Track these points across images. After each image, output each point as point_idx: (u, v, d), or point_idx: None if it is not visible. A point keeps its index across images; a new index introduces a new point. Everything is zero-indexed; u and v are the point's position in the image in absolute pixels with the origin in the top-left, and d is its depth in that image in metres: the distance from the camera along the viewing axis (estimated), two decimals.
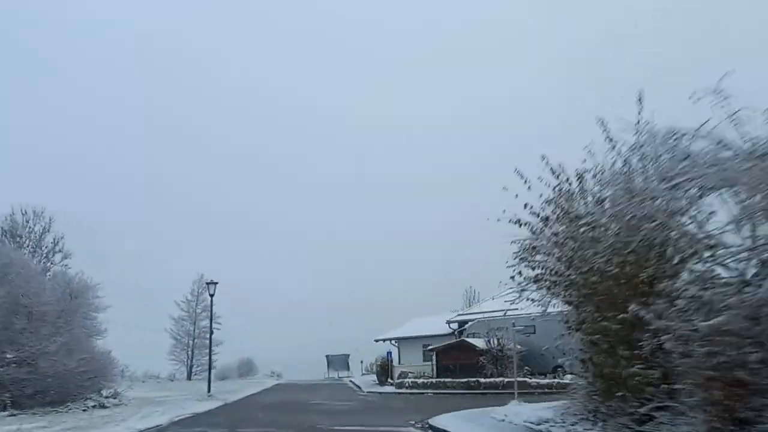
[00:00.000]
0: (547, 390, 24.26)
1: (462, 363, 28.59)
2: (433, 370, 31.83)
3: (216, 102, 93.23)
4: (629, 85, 9.61)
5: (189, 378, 54.67)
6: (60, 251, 32.03)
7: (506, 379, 25.98)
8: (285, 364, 59.71)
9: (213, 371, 59.54)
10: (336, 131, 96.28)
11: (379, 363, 37.67)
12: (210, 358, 22.73)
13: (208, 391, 23.07)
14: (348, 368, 55.79)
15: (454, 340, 30.38)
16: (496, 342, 27.55)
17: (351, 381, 43.78)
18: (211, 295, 23.28)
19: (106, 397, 20.37)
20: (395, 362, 38.41)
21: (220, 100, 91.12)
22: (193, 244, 72.08)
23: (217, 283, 23.18)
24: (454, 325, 37.21)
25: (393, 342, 41.20)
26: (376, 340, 42.44)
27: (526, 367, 27.74)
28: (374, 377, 43.14)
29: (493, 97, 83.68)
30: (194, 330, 55.39)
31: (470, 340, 28.98)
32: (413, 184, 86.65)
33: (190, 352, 55.26)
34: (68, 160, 72.86)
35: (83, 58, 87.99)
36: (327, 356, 56.44)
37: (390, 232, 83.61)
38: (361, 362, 54.81)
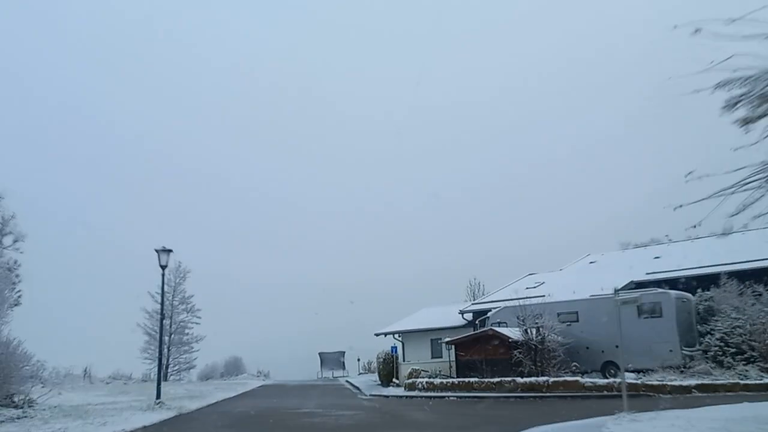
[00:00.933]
0: (612, 393, 18.45)
1: (489, 358, 22.68)
2: (450, 367, 25.87)
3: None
4: None
5: (165, 378, 48.39)
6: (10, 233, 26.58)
7: (551, 379, 20.05)
8: (275, 362, 54.69)
9: (195, 371, 54.88)
10: (337, 98, 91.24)
11: (382, 360, 31.71)
12: (160, 352, 16.55)
13: (157, 397, 16.89)
14: (343, 367, 50.76)
15: (479, 330, 24.43)
16: (535, 332, 21.61)
17: (348, 381, 37.99)
18: (163, 267, 17.11)
19: (9, 406, 14.31)
20: (399, 359, 32.52)
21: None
22: (175, 236, 66.38)
23: (170, 251, 17.08)
24: (469, 316, 31.26)
25: (396, 336, 35.12)
26: (377, 334, 36.34)
27: (574, 364, 21.83)
28: (374, 377, 37.60)
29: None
30: (171, 325, 49.09)
31: (501, 329, 23.06)
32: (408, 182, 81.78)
33: (166, 350, 48.88)
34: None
35: None
36: (320, 354, 51.60)
37: (389, 221, 78.67)
38: (358, 360, 50.00)
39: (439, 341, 31.90)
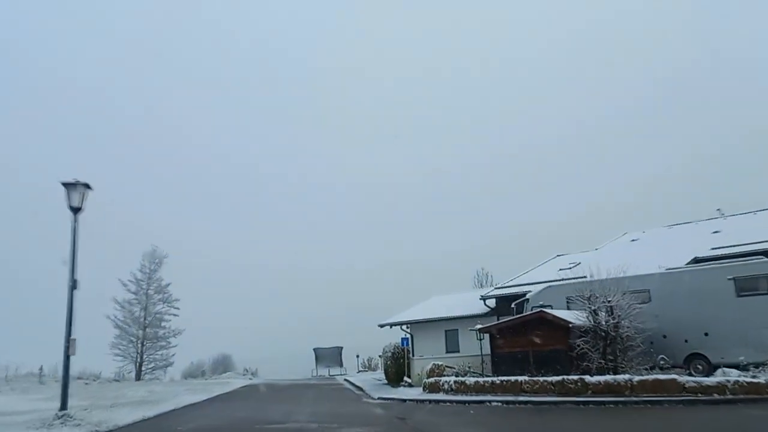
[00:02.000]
0: (726, 397, 13.04)
1: (539, 350, 17.11)
2: (482, 363, 20.29)
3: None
4: None
5: (138, 378, 42.58)
6: None
7: (635, 378, 14.46)
8: (267, 359, 49.72)
9: (179, 369, 49.24)
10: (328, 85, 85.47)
11: (390, 355, 26.13)
12: (67, 345, 10.27)
13: (62, 407, 10.90)
14: (341, 364, 45.59)
15: (525, 314, 18.73)
16: (605, 314, 16.03)
17: (347, 380, 32.47)
18: (74, 210, 11.10)
19: None
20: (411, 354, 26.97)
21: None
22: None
23: (87, 186, 11.11)
24: (492, 302, 25.68)
25: (404, 327, 29.44)
26: (381, 325, 30.66)
27: (662, 357, 16.27)
28: (376, 375, 32.13)
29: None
30: (144, 317, 43.23)
31: (557, 312, 17.48)
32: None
33: (139, 345, 43.04)
34: None
35: None
36: (315, 349, 46.51)
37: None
38: (357, 356, 44.60)
39: (456, 332, 26.49)
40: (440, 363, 20.14)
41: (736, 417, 11.57)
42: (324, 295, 51.61)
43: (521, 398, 15.57)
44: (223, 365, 50.77)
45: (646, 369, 15.58)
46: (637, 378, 14.48)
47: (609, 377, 14.86)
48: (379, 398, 19.52)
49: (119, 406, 15.84)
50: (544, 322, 17.33)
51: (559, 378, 15.43)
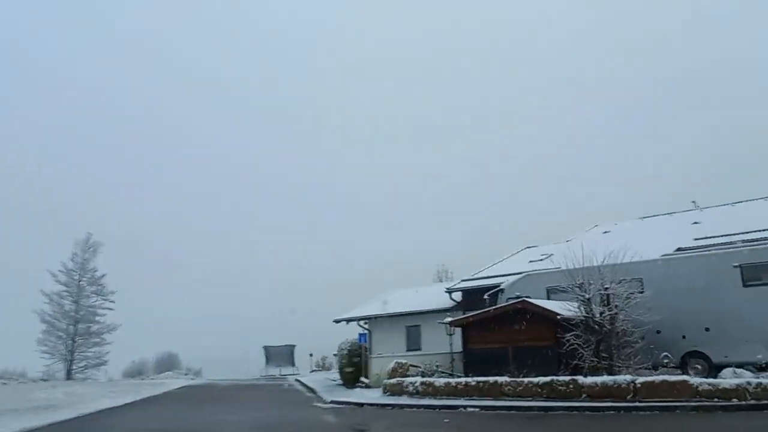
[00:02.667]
0: (746, 402, 10.86)
1: (521, 345, 14.63)
2: (452, 361, 17.73)
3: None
4: None
5: (69, 377, 38.53)
6: None
7: (638, 379, 12.06)
8: (216, 358, 45.71)
9: (117, 368, 45.30)
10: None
11: (346, 352, 23.38)
12: None
13: None
14: (293, 363, 42.34)
15: (508, 304, 16.14)
16: (599, 303, 13.65)
17: (298, 380, 29.58)
18: None
19: None
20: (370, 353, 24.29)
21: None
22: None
23: None
24: (458, 295, 23.23)
25: (362, 323, 26.70)
26: (337, 321, 27.82)
27: (665, 354, 13.98)
28: (330, 375, 29.26)
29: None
30: (76, 311, 39.16)
31: (542, 302, 15.02)
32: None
33: (69, 342, 38.94)
34: None
35: None
36: (265, 348, 43.50)
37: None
38: (311, 356, 41.58)
39: (418, 328, 23.96)
40: (404, 361, 17.43)
41: None
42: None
43: (502, 403, 13.03)
44: (168, 364, 47.08)
45: (647, 369, 13.28)
46: (640, 380, 12.09)
47: (607, 378, 12.43)
48: (332, 402, 16.70)
49: (9, 413, 12.62)
50: (526, 314, 14.85)
51: (548, 379, 12.91)
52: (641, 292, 15.41)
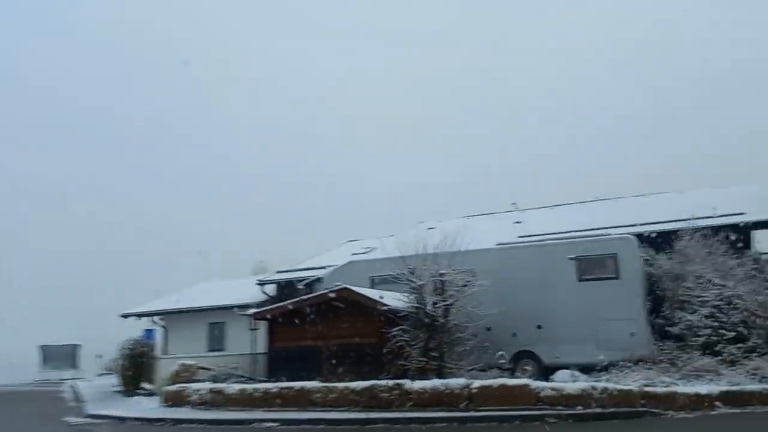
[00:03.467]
0: (592, 410, 9.26)
1: (339, 343, 11.95)
2: (254, 363, 14.53)
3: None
4: None
5: None
6: None
7: (474, 383, 9.93)
8: None
9: None
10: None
11: (128, 353, 19.00)
12: None
13: None
14: (76, 365, 36.06)
15: (324, 291, 13.20)
16: (432, 292, 11.41)
17: (72, 387, 24.17)
18: None
19: None
20: (159, 352, 20.20)
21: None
22: None
23: None
24: (271, 288, 20.28)
25: (157, 319, 22.47)
26: (125, 315, 23.32)
27: (501, 353, 12.11)
28: (116, 379, 24.45)
29: None
30: None
31: (364, 290, 12.44)
32: None
33: None
34: None
35: None
36: (42, 347, 36.83)
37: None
38: (100, 357, 35.55)
39: (223, 325, 20.66)
40: (191, 363, 13.86)
41: None
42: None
43: (310, 414, 10.16)
44: None
45: (483, 370, 11.32)
46: (476, 384, 9.96)
47: (438, 383, 10.13)
48: (88, 416, 12.62)
49: None
50: (347, 304, 12.18)
51: (368, 384, 10.30)
52: (474, 276, 13.64)
